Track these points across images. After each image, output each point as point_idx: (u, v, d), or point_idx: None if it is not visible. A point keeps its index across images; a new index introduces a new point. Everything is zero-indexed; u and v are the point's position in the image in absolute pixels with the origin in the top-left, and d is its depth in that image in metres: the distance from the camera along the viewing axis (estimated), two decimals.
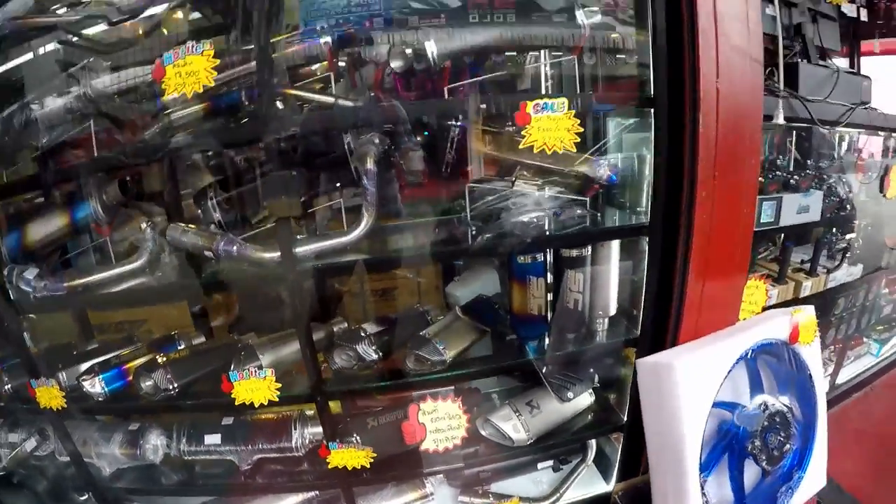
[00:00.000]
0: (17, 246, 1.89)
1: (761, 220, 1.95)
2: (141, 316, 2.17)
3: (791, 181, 2.11)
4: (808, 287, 2.33)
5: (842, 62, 2.83)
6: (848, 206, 2.36)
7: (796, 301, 2.26)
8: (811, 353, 1.75)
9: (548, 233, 1.61)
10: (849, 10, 2.48)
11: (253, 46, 1.50)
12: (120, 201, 1.74)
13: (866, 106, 2.36)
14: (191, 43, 1.40)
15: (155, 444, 1.90)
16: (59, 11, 1.78)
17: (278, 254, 1.49)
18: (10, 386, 2.02)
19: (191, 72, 1.40)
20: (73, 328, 2.17)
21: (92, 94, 1.64)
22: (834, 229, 2.56)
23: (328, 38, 1.54)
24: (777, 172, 2.17)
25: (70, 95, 1.67)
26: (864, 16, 2.56)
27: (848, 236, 2.61)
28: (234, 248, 1.53)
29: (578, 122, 1.46)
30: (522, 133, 1.43)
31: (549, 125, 1.44)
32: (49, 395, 1.82)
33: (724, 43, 1.54)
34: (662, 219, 1.62)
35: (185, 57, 1.40)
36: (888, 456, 2.44)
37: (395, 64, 1.53)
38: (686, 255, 1.58)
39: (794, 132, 2.35)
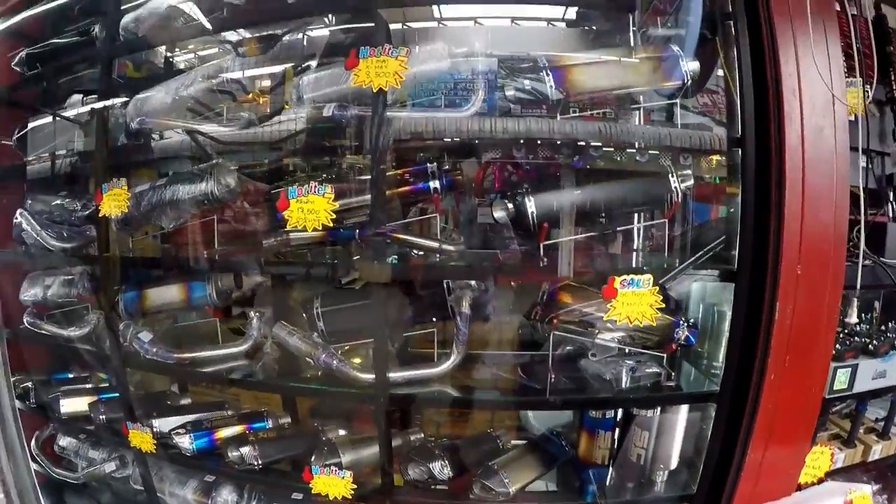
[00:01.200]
0: (134, 305, 2.12)
1: (833, 388, 1.93)
2: None
3: (870, 346, 2.05)
4: (878, 451, 2.23)
5: None
6: None
7: (864, 465, 2.21)
8: None
9: (623, 386, 1.71)
10: None
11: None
12: (233, 291, 1.93)
13: None
14: (314, 183, 1.58)
15: (226, 499, 2.08)
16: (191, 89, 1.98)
17: (373, 376, 1.65)
18: (104, 416, 2.25)
19: (312, 209, 1.58)
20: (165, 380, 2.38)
21: (218, 194, 1.83)
22: None
23: (437, 184, 1.68)
24: (855, 339, 2.08)
25: (198, 188, 1.86)
26: None
27: None
28: (334, 362, 1.69)
29: (661, 297, 1.57)
30: (609, 305, 1.55)
31: (634, 300, 1.55)
32: (141, 437, 2.03)
33: (809, 226, 1.61)
34: (731, 391, 1.69)
35: (308, 195, 1.58)
36: None
37: (498, 215, 1.66)
38: (750, 426, 1.66)
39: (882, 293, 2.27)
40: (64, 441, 2.54)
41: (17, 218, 2.29)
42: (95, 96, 2.13)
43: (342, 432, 2.00)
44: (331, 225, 1.56)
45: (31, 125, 2.52)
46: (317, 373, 1.78)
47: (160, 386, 2.34)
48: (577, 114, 1.73)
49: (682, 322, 1.71)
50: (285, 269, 1.85)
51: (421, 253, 1.72)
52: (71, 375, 2.57)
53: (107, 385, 2.42)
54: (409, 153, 1.81)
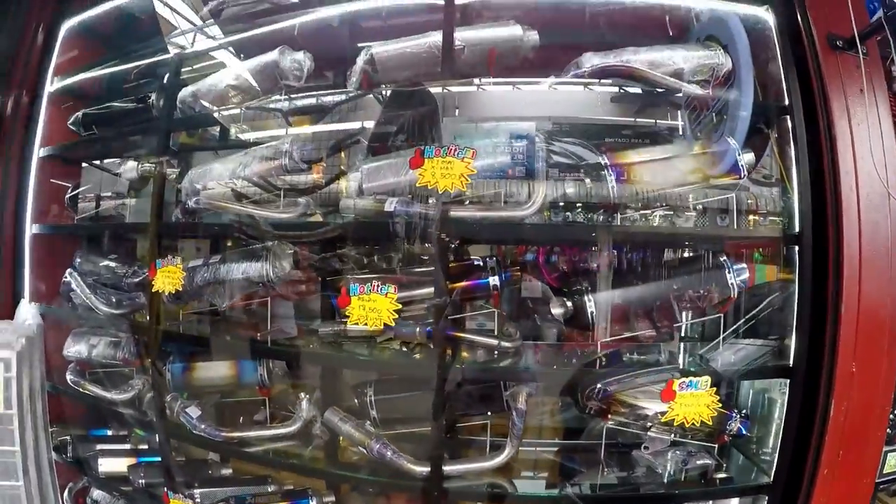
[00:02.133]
0: (182, 377, 2.14)
1: (884, 471, 1.95)
2: None
3: None
4: None
5: None
6: None
7: None
8: None
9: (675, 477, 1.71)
10: None
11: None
12: (284, 373, 1.95)
13: None
14: (377, 282, 1.60)
15: None
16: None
17: (428, 469, 1.66)
18: (144, 481, 2.25)
19: (374, 308, 1.59)
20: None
21: (273, 277, 1.86)
22: None
23: (496, 280, 1.70)
24: None
25: (252, 268, 1.88)
26: None
27: None
28: (388, 453, 1.70)
29: (718, 398, 1.58)
30: (668, 407, 1.56)
31: (691, 402, 1.56)
32: None
33: (864, 323, 1.63)
34: (784, 485, 1.70)
35: (371, 294, 1.60)
36: None
37: (556, 312, 1.68)
38: None
39: None
40: (97, 494, 2.55)
41: (66, 277, 2.33)
42: (148, 162, 2.19)
43: None
44: (392, 325, 1.58)
45: (82, 186, 2.58)
46: (364, 456, 1.79)
47: (200, 452, 2.34)
48: (635, 210, 1.73)
49: (735, 414, 1.71)
50: (340, 359, 1.85)
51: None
52: (109, 433, 2.57)
53: (146, 447, 2.42)
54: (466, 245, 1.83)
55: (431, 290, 1.65)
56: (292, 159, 1.81)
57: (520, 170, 1.73)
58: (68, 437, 2.54)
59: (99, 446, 2.43)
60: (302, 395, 1.89)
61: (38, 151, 2.61)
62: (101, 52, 2.75)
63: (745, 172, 1.75)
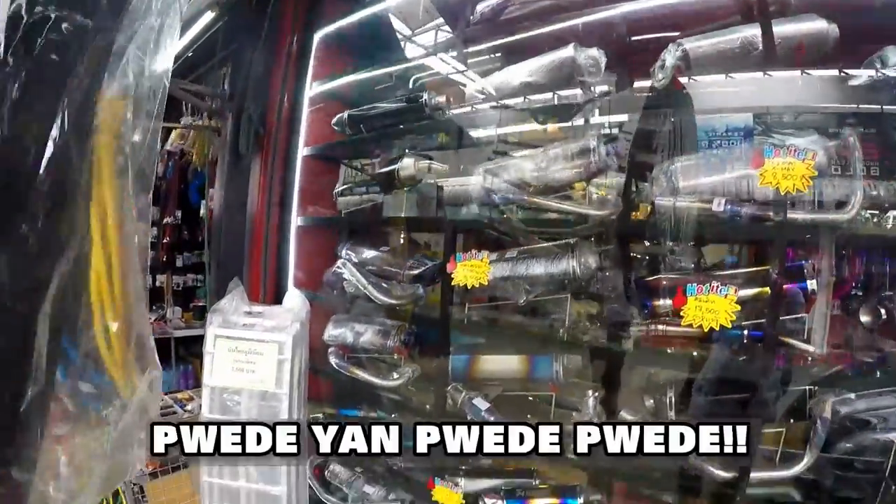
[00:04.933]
0: (465, 369, 2.18)
1: None
2: None
3: None
4: None
5: None
6: None
7: None
8: None
9: None
10: None
11: None
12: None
13: None
14: (716, 283, 1.57)
15: None
16: None
17: (733, 474, 1.61)
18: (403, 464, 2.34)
19: (712, 309, 1.56)
20: None
21: (579, 273, 1.86)
22: None
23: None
24: None
25: (557, 265, 1.91)
26: None
27: None
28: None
29: None
30: None
31: None
32: (447, 495, 2.08)
33: None
34: None
35: (709, 295, 1.57)
36: None
37: (865, 319, 1.61)
38: None
39: None
40: (336, 468, 2.71)
41: (339, 267, 2.51)
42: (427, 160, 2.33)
43: None
44: (729, 326, 1.54)
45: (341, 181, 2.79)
46: None
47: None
48: None
49: None
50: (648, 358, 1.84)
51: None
52: (360, 413, 2.74)
53: None
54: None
55: (765, 290, 1.60)
56: (599, 155, 1.81)
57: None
58: (320, 415, 2.75)
59: None
60: (589, 392, 1.89)
61: (302, 150, 2.86)
62: (351, 58, 2.98)
63: None
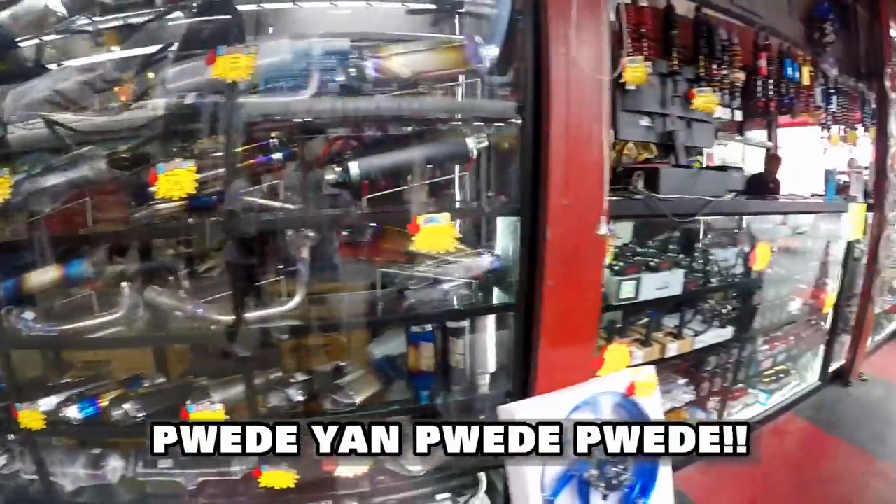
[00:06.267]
0: (14, 290, 2.27)
1: (621, 297, 2.49)
2: (107, 357, 2.55)
3: (651, 264, 2.68)
4: (674, 348, 2.82)
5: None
6: (715, 280, 2.99)
7: (662, 360, 2.79)
8: (651, 402, 2.30)
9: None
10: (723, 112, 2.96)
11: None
12: (106, 263, 2.17)
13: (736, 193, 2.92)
14: (179, 160, 1.91)
15: (114, 467, 2.30)
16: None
17: (233, 317, 1.97)
18: None
19: (178, 181, 1.90)
20: (43, 365, 2.55)
21: (93, 177, 2.09)
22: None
23: (279, 156, 2.06)
24: (636, 258, 2.75)
25: (75, 173, 2.06)
26: (738, 116, 3.11)
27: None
28: (199, 310, 2.00)
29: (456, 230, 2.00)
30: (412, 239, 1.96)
31: (435, 233, 1.98)
32: (31, 416, 2.17)
33: (572, 168, 2.10)
34: (525, 302, 2.16)
35: (175, 170, 1.90)
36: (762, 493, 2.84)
37: (328, 178, 2.05)
38: (539, 330, 2.13)
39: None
40: None
41: None
42: None
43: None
44: (194, 192, 1.88)
45: None
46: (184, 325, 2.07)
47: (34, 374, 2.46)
48: (399, 92, 2.08)
49: (485, 253, 2.16)
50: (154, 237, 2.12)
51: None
52: None
53: None
54: (261, 133, 2.10)
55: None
56: (103, 78, 2.06)
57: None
58: None
59: None
60: (123, 284, 2.12)
61: None
62: None
63: (488, 62, 2.07)
